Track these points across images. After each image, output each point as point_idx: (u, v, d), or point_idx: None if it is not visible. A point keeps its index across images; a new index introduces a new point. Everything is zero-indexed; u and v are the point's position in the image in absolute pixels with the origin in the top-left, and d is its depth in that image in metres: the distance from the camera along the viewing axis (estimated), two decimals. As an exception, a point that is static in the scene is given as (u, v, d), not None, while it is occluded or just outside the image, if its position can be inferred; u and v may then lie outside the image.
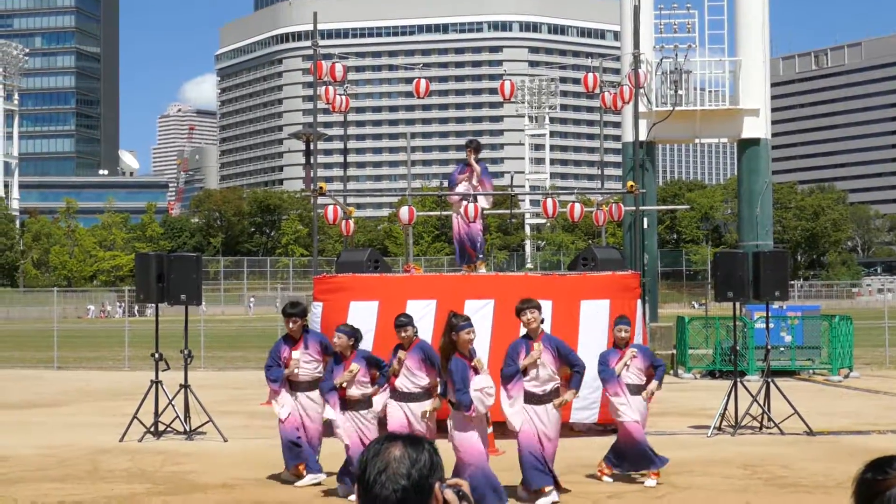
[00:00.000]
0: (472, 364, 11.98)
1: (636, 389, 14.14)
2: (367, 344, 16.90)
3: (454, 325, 11.93)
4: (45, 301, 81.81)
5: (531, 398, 12.44)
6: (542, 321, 12.56)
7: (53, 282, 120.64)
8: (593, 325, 16.87)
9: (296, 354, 14.32)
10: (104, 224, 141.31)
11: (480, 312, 16.82)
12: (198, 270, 19.31)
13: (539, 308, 12.24)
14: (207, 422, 19.05)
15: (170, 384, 19.44)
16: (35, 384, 31.78)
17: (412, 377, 12.93)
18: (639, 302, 17.96)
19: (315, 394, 14.07)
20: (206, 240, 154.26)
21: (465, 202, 18.74)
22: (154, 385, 19.24)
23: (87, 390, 29.55)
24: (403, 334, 13.11)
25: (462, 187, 19.17)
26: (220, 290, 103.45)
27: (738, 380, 19.62)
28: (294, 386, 14.40)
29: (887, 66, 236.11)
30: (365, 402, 13.09)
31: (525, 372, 12.41)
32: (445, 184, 21.65)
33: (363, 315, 17.00)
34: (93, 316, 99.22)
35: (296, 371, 14.28)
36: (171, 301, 19.07)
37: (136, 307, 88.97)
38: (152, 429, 18.92)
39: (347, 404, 13.07)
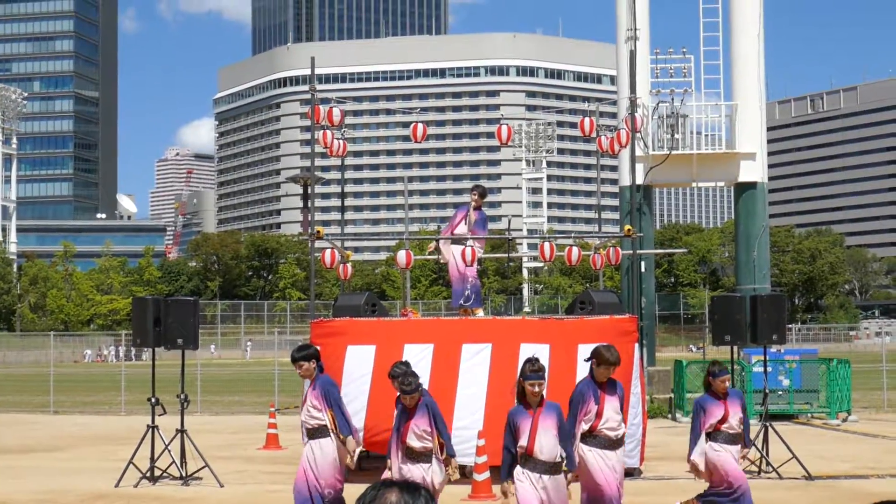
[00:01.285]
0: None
1: (732, 439, 13.85)
2: (364, 388, 16.84)
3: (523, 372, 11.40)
4: (42, 345, 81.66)
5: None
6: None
7: (50, 326, 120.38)
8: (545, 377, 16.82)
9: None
10: (101, 268, 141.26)
11: (478, 357, 16.79)
12: (195, 314, 19.28)
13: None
14: (204, 467, 18.97)
15: (166, 429, 19.37)
16: (31, 429, 31.67)
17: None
18: (636, 346, 17.94)
19: (324, 441, 13.74)
20: (204, 283, 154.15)
21: (460, 246, 18.73)
22: (150, 430, 19.17)
23: (83, 435, 29.43)
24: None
25: (461, 229, 19.18)
26: (217, 333, 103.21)
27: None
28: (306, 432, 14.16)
29: (883, 109, 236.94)
30: (425, 456, 12.49)
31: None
32: (443, 227, 21.49)
33: (360, 359, 16.96)
34: (89, 360, 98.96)
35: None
36: (167, 345, 19.03)
37: (133, 351, 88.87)
38: (148, 474, 18.84)
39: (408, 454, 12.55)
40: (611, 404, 11.96)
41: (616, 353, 12.16)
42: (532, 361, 11.30)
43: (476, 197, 19.25)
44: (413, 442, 12.41)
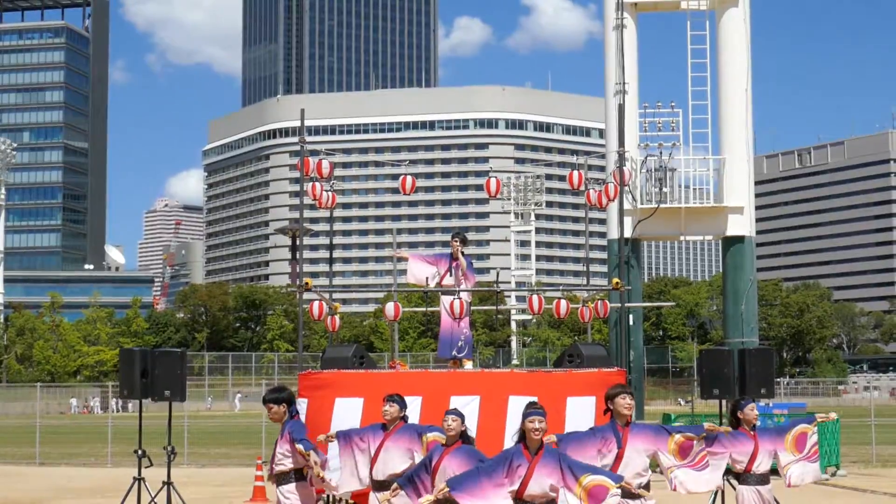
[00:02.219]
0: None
1: (763, 479, 13.11)
2: (351, 441, 16.77)
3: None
4: (29, 396, 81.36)
5: None
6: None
7: (37, 377, 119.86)
8: (579, 423, 16.77)
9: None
10: (89, 319, 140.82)
11: (466, 409, 16.73)
12: (182, 366, 19.22)
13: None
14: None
15: (153, 481, 19.27)
16: (16, 481, 31.47)
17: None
18: (625, 399, 17.91)
19: (288, 487, 13.71)
20: (191, 335, 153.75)
21: (449, 298, 18.72)
22: (137, 482, 19.07)
23: (69, 487, 29.26)
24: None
25: (449, 281, 19.15)
26: (204, 385, 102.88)
27: (726, 478, 19.49)
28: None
29: (870, 164, 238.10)
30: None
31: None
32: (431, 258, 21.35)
33: (348, 412, 16.89)
34: (75, 411, 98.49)
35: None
36: (154, 397, 18.95)
37: (120, 403, 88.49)
38: (134, 526, 18.73)
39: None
40: (633, 447, 11.50)
41: (624, 384, 12.18)
42: (533, 403, 11.19)
43: (458, 244, 19.22)
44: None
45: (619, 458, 11.38)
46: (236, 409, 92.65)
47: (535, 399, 11.41)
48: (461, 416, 11.66)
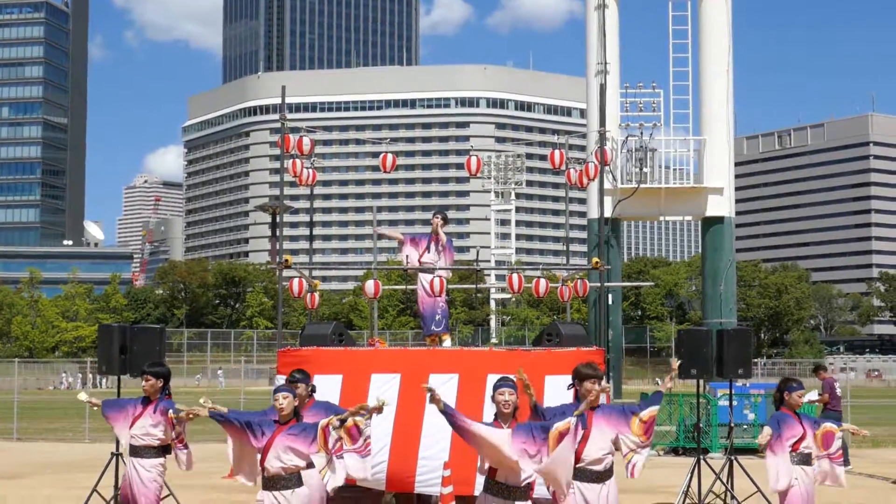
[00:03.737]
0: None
1: (807, 459, 12.85)
2: (330, 418, 16.77)
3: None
4: (6, 372, 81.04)
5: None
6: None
7: (14, 352, 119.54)
8: (558, 401, 16.79)
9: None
10: (67, 295, 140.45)
11: (444, 387, 16.76)
12: (161, 342, 19.17)
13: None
14: (168, 495, 18.83)
15: (130, 457, 19.20)
16: (-7, 456, 31.38)
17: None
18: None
19: (152, 462, 13.58)
20: (170, 311, 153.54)
21: (428, 275, 18.73)
22: (114, 457, 19.04)
23: (46, 462, 29.21)
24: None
25: (429, 258, 19.15)
26: (183, 362, 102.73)
27: (702, 457, 19.58)
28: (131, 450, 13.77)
29: (850, 147, 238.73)
30: (292, 480, 11.23)
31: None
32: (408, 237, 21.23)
33: (327, 389, 16.90)
34: (65, 387, 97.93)
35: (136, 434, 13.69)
36: (133, 373, 18.90)
37: (98, 378, 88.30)
38: (112, 502, 18.69)
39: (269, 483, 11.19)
40: (599, 430, 11.26)
41: (595, 366, 11.53)
42: (504, 377, 10.89)
43: (438, 221, 19.21)
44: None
45: (584, 439, 11.10)
46: (221, 386, 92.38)
47: (514, 377, 11.25)
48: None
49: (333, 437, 11.45)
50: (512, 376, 10.90)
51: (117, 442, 19.01)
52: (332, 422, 11.36)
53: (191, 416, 12.85)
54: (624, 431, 11.45)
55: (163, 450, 13.64)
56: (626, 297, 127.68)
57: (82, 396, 14.32)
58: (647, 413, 11.64)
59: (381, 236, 21.57)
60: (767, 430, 12.75)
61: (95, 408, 14.01)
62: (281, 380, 17.02)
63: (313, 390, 13.17)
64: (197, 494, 21.18)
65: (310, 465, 11.39)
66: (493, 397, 10.80)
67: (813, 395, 27.77)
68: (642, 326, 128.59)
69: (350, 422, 11.90)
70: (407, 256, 19.30)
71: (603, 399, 11.98)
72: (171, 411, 13.27)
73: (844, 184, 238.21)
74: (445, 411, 10.63)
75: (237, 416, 11.41)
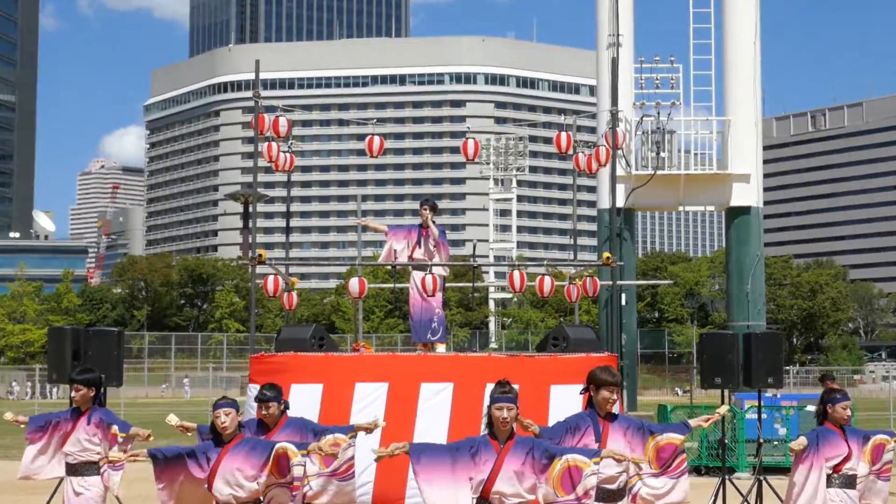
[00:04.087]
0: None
1: (850, 481, 12.63)
2: (309, 433, 16.75)
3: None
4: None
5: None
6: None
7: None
8: (564, 412, 16.78)
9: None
10: (14, 294, 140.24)
11: (438, 397, 16.75)
12: (119, 347, 19.17)
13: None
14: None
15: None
16: (-69, 474, 31.30)
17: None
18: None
19: (92, 480, 13.61)
20: (130, 313, 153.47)
21: (420, 273, 18.71)
22: (64, 481, 18.99)
23: (-11, 482, 29.13)
24: (264, 412, 12.39)
25: (420, 254, 19.13)
26: (143, 369, 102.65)
27: (727, 477, 19.59)
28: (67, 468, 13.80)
29: (891, 129, 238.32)
30: None
31: None
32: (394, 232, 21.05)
33: (306, 400, 16.88)
34: (14, 398, 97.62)
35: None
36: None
37: (47, 387, 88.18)
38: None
39: None
40: (615, 445, 11.08)
41: (615, 372, 11.48)
42: (502, 383, 10.61)
43: (427, 212, 19.19)
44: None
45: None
46: (186, 396, 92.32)
47: (517, 386, 11.12)
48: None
49: (296, 472, 11.12)
50: (514, 387, 10.69)
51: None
52: (291, 455, 10.97)
53: (148, 437, 12.83)
54: (637, 451, 11.32)
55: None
56: (641, 297, 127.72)
57: (8, 416, 14.29)
58: (664, 438, 11.51)
59: (365, 228, 21.55)
60: (803, 440, 12.58)
61: (22, 426, 13.97)
62: (254, 389, 17.00)
63: (286, 408, 12.92)
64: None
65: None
66: (489, 410, 10.56)
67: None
68: (660, 330, 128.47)
69: (327, 448, 11.83)
70: (395, 252, 19.29)
71: (616, 408, 11.85)
72: (114, 427, 13.20)
73: (886, 170, 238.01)
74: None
75: (173, 450, 11.39)
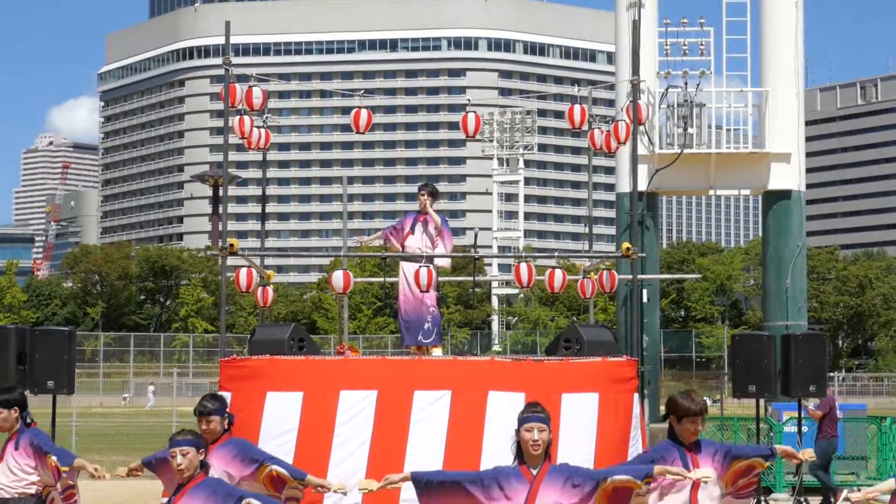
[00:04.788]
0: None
1: None
2: (288, 448, 16.78)
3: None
4: None
5: None
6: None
7: None
8: (577, 426, 16.81)
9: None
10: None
11: (433, 407, 16.78)
12: (70, 349, 19.18)
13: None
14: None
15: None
16: None
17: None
18: (635, 397, 17.93)
19: None
20: (82, 310, 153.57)
21: (414, 265, 18.73)
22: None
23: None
24: (204, 426, 12.17)
25: (413, 242, 19.17)
26: (98, 374, 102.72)
27: (763, 498, 19.65)
28: None
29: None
30: None
31: None
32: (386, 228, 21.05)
33: (284, 410, 16.92)
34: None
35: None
36: (34, 388, 18.90)
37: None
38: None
39: None
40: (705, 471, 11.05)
41: (700, 400, 11.29)
42: (532, 404, 10.43)
43: (426, 198, 19.23)
44: None
45: (695, 488, 11.04)
46: (149, 404, 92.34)
47: (522, 395, 11.17)
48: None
49: None
50: (543, 411, 10.41)
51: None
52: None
53: (100, 476, 12.75)
54: (719, 475, 11.33)
55: (39, 499, 13.40)
56: (665, 294, 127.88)
57: None
58: (746, 462, 11.40)
59: (360, 244, 21.48)
60: (891, 483, 11.75)
61: None
62: (225, 397, 17.01)
63: (230, 423, 12.61)
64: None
65: None
66: (517, 434, 10.31)
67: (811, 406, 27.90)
68: (686, 330, 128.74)
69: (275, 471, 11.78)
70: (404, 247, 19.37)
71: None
72: (52, 458, 13.06)
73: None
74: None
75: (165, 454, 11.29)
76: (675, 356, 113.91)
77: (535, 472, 10.14)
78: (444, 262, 19.44)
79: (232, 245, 18.69)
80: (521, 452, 10.27)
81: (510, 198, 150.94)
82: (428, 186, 19.48)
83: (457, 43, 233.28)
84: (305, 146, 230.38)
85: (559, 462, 10.56)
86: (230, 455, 12.18)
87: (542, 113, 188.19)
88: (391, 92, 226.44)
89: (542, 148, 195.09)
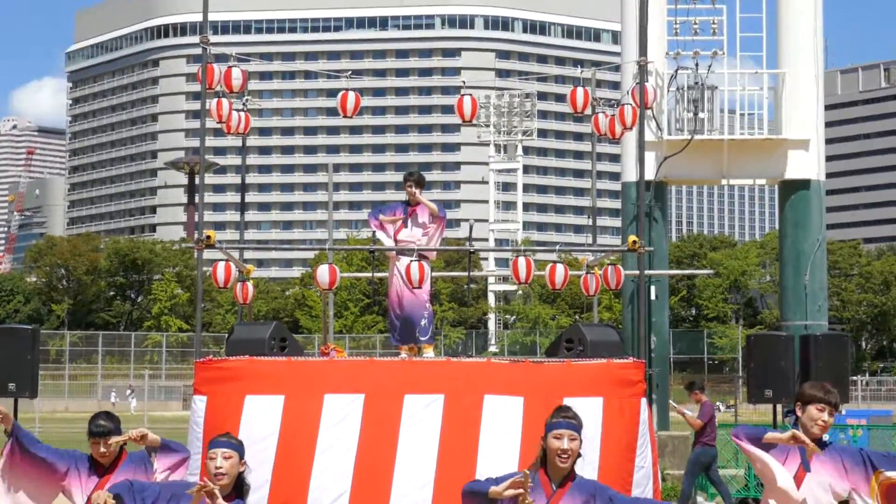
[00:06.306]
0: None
1: None
2: (268, 455, 16.78)
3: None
4: None
5: None
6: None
7: None
8: (581, 432, 16.80)
9: None
10: None
11: (425, 412, 16.77)
12: (33, 349, 19.17)
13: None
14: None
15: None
16: None
17: None
18: (643, 402, 17.92)
19: None
20: (47, 307, 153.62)
21: (405, 259, 18.73)
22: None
23: None
24: (102, 448, 11.99)
25: (407, 235, 19.17)
26: (63, 376, 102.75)
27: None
28: None
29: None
30: None
31: None
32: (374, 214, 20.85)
33: (263, 415, 16.92)
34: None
35: None
36: (-4, 391, 18.90)
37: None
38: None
39: None
40: (816, 478, 10.70)
41: (830, 389, 10.92)
42: (564, 408, 10.08)
43: (413, 188, 19.23)
44: None
45: (796, 479, 10.66)
46: (131, 408, 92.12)
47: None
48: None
49: None
50: (575, 417, 10.06)
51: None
52: None
53: None
54: (859, 488, 10.67)
55: None
56: (674, 291, 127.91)
57: None
58: (887, 477, 10.57)
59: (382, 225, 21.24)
60: None
61: None
62: (200, 401, 17.02)
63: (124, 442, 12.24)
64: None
65: None
66: (545, 441, 9.83)
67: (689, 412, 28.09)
68: (697, 330, 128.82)
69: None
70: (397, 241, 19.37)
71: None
72: None
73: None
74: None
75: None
76: (685, 358, 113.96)
77: (555, 486, 9.68)
78: (432, 253, 19.46)
79: (209, 237, 18.66)
80: (545, 459, 9.81)
81: (508, 187, 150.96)
82: (413, 175, 19.43)
83: (451, 21, 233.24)
84: (288, 131, 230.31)
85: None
86: (134, 466, 12.01)
87: (543, 96, 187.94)
88: (381, 73, 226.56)
89: (542, 134, 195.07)
